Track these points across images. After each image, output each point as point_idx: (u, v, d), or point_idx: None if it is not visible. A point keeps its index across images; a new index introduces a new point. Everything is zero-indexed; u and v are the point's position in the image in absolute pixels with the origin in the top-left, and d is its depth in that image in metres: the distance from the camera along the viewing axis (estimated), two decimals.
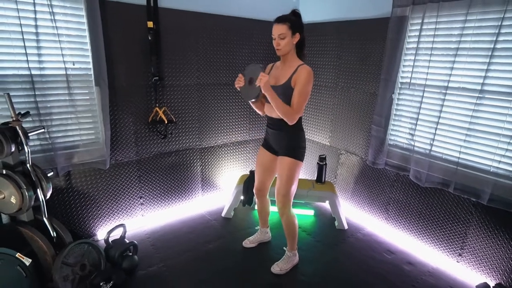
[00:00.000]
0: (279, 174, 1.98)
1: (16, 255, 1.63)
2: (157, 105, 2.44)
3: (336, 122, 2.97)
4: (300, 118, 1.91)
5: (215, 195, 3.08)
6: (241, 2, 2.73)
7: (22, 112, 1.77)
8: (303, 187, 2.72)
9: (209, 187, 3.02)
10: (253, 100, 1.82)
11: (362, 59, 2.63)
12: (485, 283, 1.92)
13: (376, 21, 2.44)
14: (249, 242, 2.40)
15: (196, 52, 2.58)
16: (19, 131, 1.68)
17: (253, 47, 2.90)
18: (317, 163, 2.85)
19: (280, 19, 1.77)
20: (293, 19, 1.78)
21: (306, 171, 3.35)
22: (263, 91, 1.72)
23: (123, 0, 2.13)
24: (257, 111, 2.04)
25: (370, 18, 2.50)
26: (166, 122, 2.46)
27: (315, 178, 2.90)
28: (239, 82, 1.82)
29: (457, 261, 2.21)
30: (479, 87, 1.90)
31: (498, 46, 1.81)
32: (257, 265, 2.20)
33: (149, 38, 2.25)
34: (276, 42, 1.79)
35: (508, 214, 1.87)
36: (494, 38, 1.80)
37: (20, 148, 1.72)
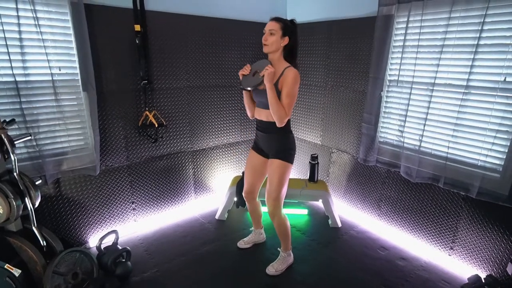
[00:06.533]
0: (270, 177, 1.98)
1: (5, 266, 1.59)
2: (146, 108, 2.42)
3: (326, 121, 2.99)
4: (289, 121, 1.92)
5: (208, 197, 3.06)
6: (229, 4, 2.73)
7: (7, 120, 1.73)
8: (296, 187, 2.73)
9: (202, 189, 3.00)
10: (249, 89, 1.87)
11: (351, 58, 2.66)
12: (477, 275, 1.95)
13: (363, 20, 2.47)
14: (243, 243, 2.40)
15: (185, 54, 2.57)
16: (5, 139, 1.64)
17: (242, 48, 2.90)
18: (309, 162, 2.86)
19: (276, 18, 1.82)
20: (287, 23, 1.82)
21: (298, 170, 3.36)
22: (265, 81, 1.75)
23: (109, 4, 2.11)
24: (247, 110, 2.04)
25: (357, 18, 2.53)
26: (156, 125, 2.44)
27: (308, 177, 2.91)
28: (245, 71, 1.88)
29: (448, 255, 2.25)
30: (464, 83, 1.94)
31: (482, 42, 1.85)
32: (253, 266, 2.19)
33: (137, 42, 2.23)
34: (265, 36, 1.81)
35: (496, 206, 1.91)
36: (478, 35, 1.84)
37: (6, 157, 1.68)
